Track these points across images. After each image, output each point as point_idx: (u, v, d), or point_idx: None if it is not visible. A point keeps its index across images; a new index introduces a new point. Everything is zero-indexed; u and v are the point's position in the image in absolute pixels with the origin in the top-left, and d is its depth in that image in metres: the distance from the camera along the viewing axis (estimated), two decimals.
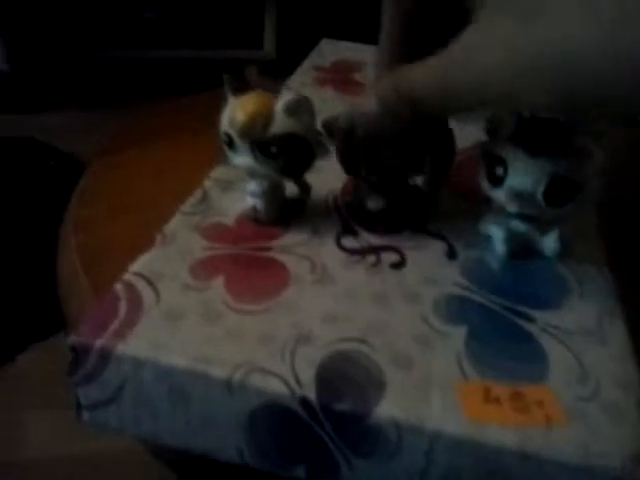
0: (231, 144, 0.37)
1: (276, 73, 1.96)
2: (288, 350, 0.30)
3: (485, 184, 0.39)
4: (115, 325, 0.30)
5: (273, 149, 0.36)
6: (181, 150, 0.59)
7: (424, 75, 0.31)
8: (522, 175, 0.36)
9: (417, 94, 0.31)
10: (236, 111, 0.36)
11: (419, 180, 0.42)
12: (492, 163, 0.38)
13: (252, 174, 0.38)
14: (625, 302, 0.36)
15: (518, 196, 0.37)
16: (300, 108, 0.36)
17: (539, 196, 0.36)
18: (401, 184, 0.41)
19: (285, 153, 0.36)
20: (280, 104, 0.36)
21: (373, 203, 0.41)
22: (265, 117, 0.36)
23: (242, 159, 0.37)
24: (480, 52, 0.27)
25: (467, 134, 0.53)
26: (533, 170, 0.36)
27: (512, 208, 0.38)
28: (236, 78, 0.38)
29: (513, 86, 0.26)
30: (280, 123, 0.36)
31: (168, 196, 0.44)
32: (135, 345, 0.29)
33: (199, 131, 0.54)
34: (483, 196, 0.40)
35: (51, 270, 0.48)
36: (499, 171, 0.38)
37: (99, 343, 0.29)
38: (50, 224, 0.57)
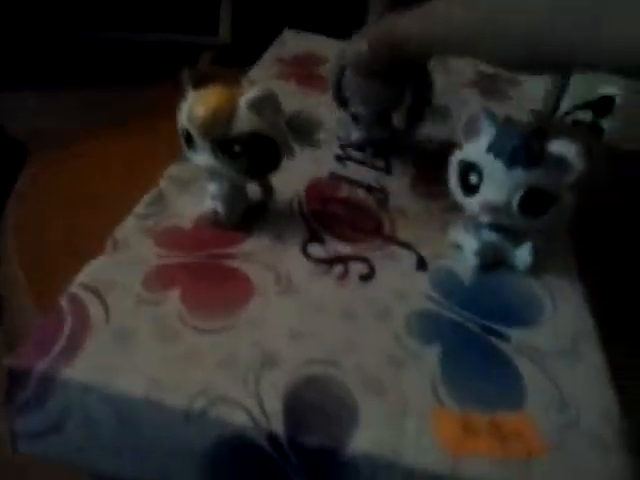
0: (190, 141, 0.34)
1: (231, 60, 1.91)
2: (252, 375, 0.27)
3: (457, 191, 0.37)
4: (59, 346, 0.27)
5: (236, 148, 0.33)
6: (145, 140, 0.55)
7: (410, 24, 0.38)
8: (498, 186, 0.35)
9: (402, 40, 0.38)
10: (196, 106, 0.33)
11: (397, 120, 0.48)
12: (466, 170, 0.36)
13: (213, 174, 0.35)
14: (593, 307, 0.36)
15: (493, 207, 0.35)
16: (266, 104, 0.33)
17: (514, 207, 0.35)
18: (384, 118, 0.47)
19: (249, 153, 0.34)
20: (244, 100, 0.33)
21: (356, 134, 0.48)
22: (227, 113, 0.33)
23: (202, 158, 0.34)
24: (454, 11, 0.36)
25: (439, 132, 0.52)
26: (509, 181, 0.34)
27: (486, 218, 0.37)
28: (196, 69, 0.34)
29: (476, 40, 0.36)
30: (244, 120, 0.33)
31: (125, 191, 0.40)
32: (81, 369, 0.26)
33: (157, 124, 0.50)
34: (452, 200, 0.38)
35: None
36: (473, 179, 0.36)
37: (41, 367, 0.26)
38: None
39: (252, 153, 0.33)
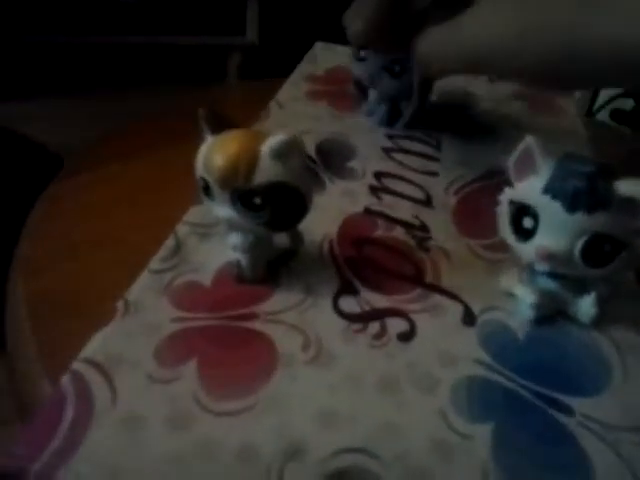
0: (208, 191, 0.31)
1: (259, 60, 1.89)
2: (275, 470, 0.24)
3: (509, 236, 0.33)
4: (58, 439, 0.24)
5: (257, 200, 0.30)
6: (162, 170, 0.52)
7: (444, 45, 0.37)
8: (556, 232, 0.30)
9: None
10: (214, 155, 0.30)
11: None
12: (519, 212, 0.32)
13: (233, 226, 0.32)
14: None
15: (551, 254, 0.31)
16: (290, 151, 0.30)
17: (576, 255, 0.30)
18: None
19: (271, 205, 0.30)
20: (267, 147, 0.29)
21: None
22: (248, 163, 0.29)
23: (221, 210, 0.31)
24: (488, 27, 0.34)
25: (480, 159, 0.48)
26: (570, 226, 0.30)
27: (543, 267, 0.32)
28: (214, 112, 0.31)
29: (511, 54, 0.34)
30: (266, 170, 0.29)
31: (143, 229, 0.37)
32: (82, 469, 0.23)
33: (177, 150, 0.48)
34: (502, 242, 0.34)
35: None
36: (528, 223, 0.32)
37: (37, 467, 0.23)
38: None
39: (275, 205, 0.30)
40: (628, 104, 1.22)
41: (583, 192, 0.29)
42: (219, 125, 0.31)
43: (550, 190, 0.30)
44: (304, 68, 0.59)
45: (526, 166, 0.32)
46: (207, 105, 0.31)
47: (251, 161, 0.29)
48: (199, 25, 1.86)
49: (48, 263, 0.39)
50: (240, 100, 0.66)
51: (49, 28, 1.76)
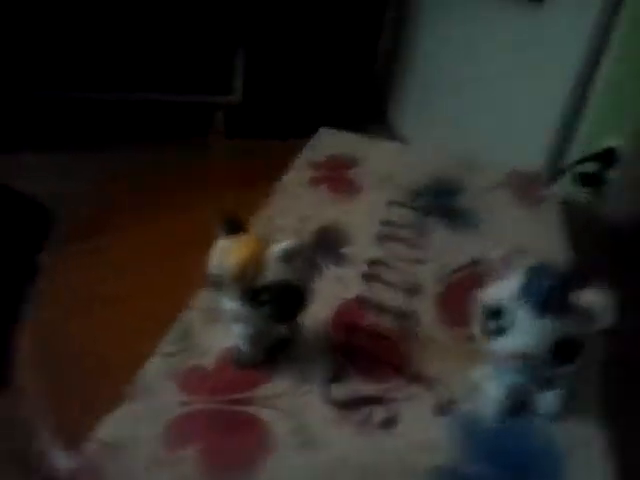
0: (219, 286, 0.35)
1: (243, 117, 1.96)
2: None
3: (483, 334, 0.37)
4: None
5: (263, 297, 0.34)
6: (163, 232, 0.56)
7: None
8: (527, 332, 0.34)
9: None
10: (228, 255, 0.34)
11: None
12: (493, 314, 0.36)
13: (238, 317, 0.36)
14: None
15: (521, 353, 0.34)
16: (293, 255, 0.34)
17: (544, 355, 0.34)
18: None
19: (275, 301, 0.34)
20: (275, 251, 0.33)
21: None
22: (257, 264, 0.33)
23: (230, 304, 0.35)
24: None
25: (466, 247, 0.52)
26: (540, 328, 0.34)
27: (510, 364, 0.36)
28: (230, 217, 0.35)
29: None
30: (273, 270, 0.33)
31: (147, 290, 0.41)
32: None
33: (180, 210, 0.52)
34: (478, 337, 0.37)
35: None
36: (501, 323, 0.35)
37: None
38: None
39: (279, 301, 0.34)
40: (591, 167, 1.27)
41: (551, 299, 0.33)
42: (233, 229, 0.35)
43: (523, 296, 0.34)
44: (307, 154, 0.64)
45: (501, 272, 0.36)
46: (223, 212, 0.36)
47: (260, 263, 0.33)
48: (186, 83, 1.94)
49: (57, 325, 0.43)
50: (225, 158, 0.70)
51: (40, 84, 1.82)
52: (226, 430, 0.32)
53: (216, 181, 0.68)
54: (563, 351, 0.34)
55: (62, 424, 0.35)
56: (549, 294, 0.33)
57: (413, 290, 0.46)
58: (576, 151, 1.35)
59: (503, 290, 0.35)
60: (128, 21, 1.82)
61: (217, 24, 1.88)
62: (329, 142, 0.67)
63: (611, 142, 1.22)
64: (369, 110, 2.27)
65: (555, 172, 1.41)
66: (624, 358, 0.47)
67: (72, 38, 1.79)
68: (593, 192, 1.28)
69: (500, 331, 0.35)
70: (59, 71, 1.82)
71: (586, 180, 1.29)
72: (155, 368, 0.35)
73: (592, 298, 0.34)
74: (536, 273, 0.34)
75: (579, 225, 0.67)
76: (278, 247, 0.33)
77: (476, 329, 0.37)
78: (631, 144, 1.07)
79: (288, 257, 0.33)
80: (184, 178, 0.69)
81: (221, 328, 0.39)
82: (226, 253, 0.34)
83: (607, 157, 1.23)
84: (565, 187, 1.36)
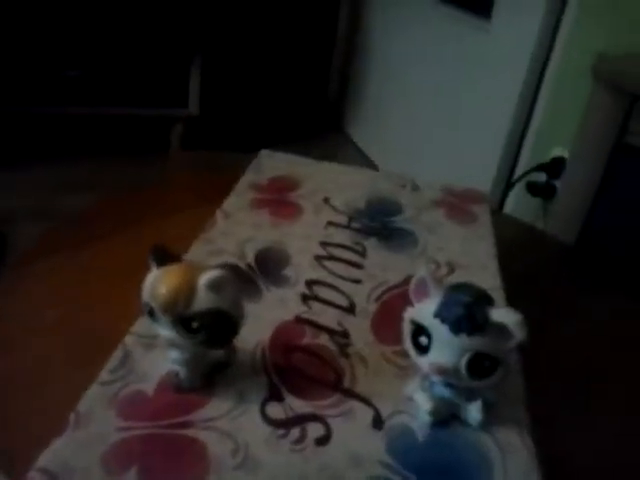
0: (152, 315, 0.36)
1: (201, 129, 1.98)
2: None
3: (410, 349, 0.39)
4: None
5: (194, 324, 0.35)
6: (110, 253, 0.57)
7: None
8: (445, 349, 0.37)
9: None
10: (158, 284, 0.35)
11: None
12: (417, 331, 0.38)
13: (174, 344, 0.37)
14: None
15: (441, 369, 0.37)
16: (224, 284, 0.35)
17: (462, 369, 0.37)
18: None
19: (207, 328, 0.35)
20: (203, 280, 0.35)
21: None
22: (187, 292, 0.35)
23: (164, 331, 0.36)
24: None
25: (400, 265, 0.54)
26: (455, 345, 0.36)
27: (436, 378, 0.39)
28: (162, 249, 0.37)
29: None
30: (203, 299, 0.35)
31: (94, 313, 0.42)
32: None
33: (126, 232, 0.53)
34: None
35: None
36: (423, 341, 0.38)
37: None
38: None
39: (210, 328, 0.35)
40: (541, 177, 1.34)
41: (464, 318, 0.36)
42: (163, 258, 0.37)
43: (439, 315, 0.37)
44: (249, 177, 0.66)
45: (422, 291, 0.38)
46: (154, 243, 0.37)
47: (190, 292, 0.35)
48: (143, 97, 1.95)
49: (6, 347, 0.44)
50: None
51: None
52: (166, 453, 0.34)
53: (168, 200, 0.69)
54: (480, 366, 0.37)
55: (2, 455, 0.36)
56: (462, 313, 0.36)
57: (349, 309, 0.49)
58: (525, 163, 1.42)
59: (426, 308, 0.38)
60: (84, 35, 1.81)
61: (172, 37, 1.89)
62: (270, 164, 0.69)
63: (558, 152, 1.28)
64: (326, 120, 2.31)
65: (505, 184, 1.47)
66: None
67: (29, 51, 1.77)
68: (543, 202, 1.34)
69: (423, 348, 0.38)
70: (16, 86, 1.79)
71: (535, 190, 1.36)
72: (95, 396, 0.36)
73: (505, 317, 0.36)
74: (451, 293, 0.37)
75: (513, 238, 0.71)
76: (205, 277, 0.35)
77: (405, 344, 0.39)
78: (574, 153, 1.13)
79: (216, 286, 0.35)
80: (137, 197, 0.70)
81: (160, 354, 0.40)
82: (156, 283, 0.35)
83: (554, 167, 1.30)
84: (516, 198, 1.42)
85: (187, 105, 2.01)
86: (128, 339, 0.41)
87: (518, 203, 1.44)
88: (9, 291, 0.51)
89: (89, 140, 1.93)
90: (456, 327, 0.36)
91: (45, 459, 0.32)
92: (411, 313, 0.39)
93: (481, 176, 1.48)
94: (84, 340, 0.44)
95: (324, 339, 0.45)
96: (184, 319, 0.35)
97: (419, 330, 0.38)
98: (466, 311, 0.36)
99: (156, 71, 1.93)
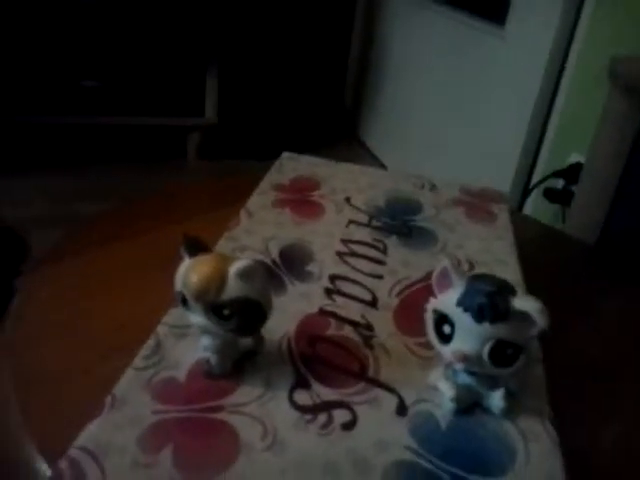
0: (185, 303, 0.38)
1: (218, 138, 2.00)
2: None
3: (433, 339, 0.40)
4: None
5: (226, 312, 0.37)
6: (131, 257, 0.59)
7: None
8: (468, 338, 0.38)
9: None
10: (190, 274, 0.37)
11: None
12: (440, 320, 0.39)
13: (205, 331, 0.39)
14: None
15: (464, 356, 0.38)
16: (253, 273, 0.37)
17: (485, 357, 0.38)
18: None
19: (238, 315, 0.37)
20: (234, 269, 0.36)
21: None
22: (218, 281, 0.36)
23: (196, 318, 0.38)
24: None
25: (421, 262, 0.55)
26: (478, 334, 0.37)
27: (459, 366, 0.39)
28: (194, 240, 0.38)
29: None
30: (233, 287, 0.36)
31: (120, 310, 0.44)
32: None
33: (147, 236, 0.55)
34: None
35: None
36: (447, 329, 0.39)
37: None
38: None
39: (240, 316, 0.37)
40: (559, 183, 1.34)
41: (486, 307, 0.37)
42: (195, 249, 0.38)
43: (461, 303, 0.38)
44: (272, 177, 0.68)
45: (445, 282, 0.39)
46: (186, 233, 0.39)
47: (221, 280, 0.36)
48: (160, 106, 1.98)
49: (32, 344, 0.45)
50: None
51: (9, 109, 1.83)
52: (198, 435, 0.35)
53: (187, 204, 0.71)
54: (502, 354, 0.38)
55: (43, 437, 0.37)
56: (484, 302, 0.37)
57: (372, 303, 0.50)
58: (542, 169, 1.42)
59: (449, 298, 0.39)
60: (100, 46, 1.85)
61: (188, 46, 1.92)
62: (291, 165, 0.71)
63: (575, 158, 1.29)
64: (342, 127, 2.33)
65: (523, 190, 1.47)
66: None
67: (47, 61, 1.81)
68: (561, 208, 1.34)
69: (446, 336, 0.39)
70: (34, 96, 1.83)
71: (553, 197, 1.36)
72: (130, 381, 0.38)
73: (527, 305, 0.37)
74: (473, 282, 0.38)
75: (532, 238, 0.72)
76: (236, 266, 0.36)
77: (429, 334, 0.40)
78: (591, 156, 1.14)
79: (246, 275, 0.36)
80: (157, 201, 0.72)
81: (190, 343, 0.42)
82: (189, 272, 0.37)
83: (572, 173, 1.30)
84: (534, 204, 1.43)
85: (204, 114, 2.04)
86: (160, 328, 0.43)
87: (536, 209, 1.44)
88: (42, 284, 0.52)
89: (106, 149, 1.96)
90: (479, 315, 0.37)
91: (84, 438, 0.33)
92: (434, 303, 0.40)
93: (499, 183, 1.49)
94: (117, 332, 0.45)
95: (348, 330, 0.46)
96: (215, 306, 0.36)
97: (442, 319, 0.39)
98: (488, 299, 0.37)
99: (172, 80, 1.96)
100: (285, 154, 0.74)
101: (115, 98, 1.94)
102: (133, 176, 1.83)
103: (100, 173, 1.91)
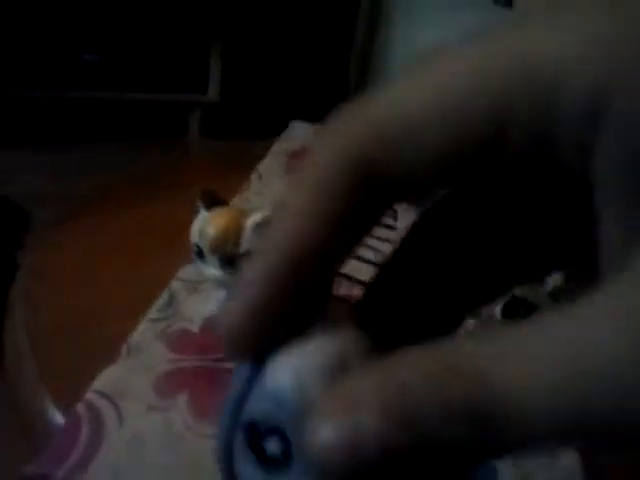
0: (201, 255, 0.38)
1: (220, 116, 1.98)
2: None
3: None
4: (76, 454, 0.30)
5: (241, 264, 0.37)
6: (142, 220, 0.59)
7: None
8: None
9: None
10: (207, 226, 0.37)
11: None
12: None
13: (221, 284, 0.39)
14: None
15: (476, 313, 0.38)
16: (269, 224, 0.37)
17: (497, 315, 0.38)
18: None
19: None
20: (250, 222, 0.37)
21: None
22: (235, 233, 0.37)
23: (212, 271, 0.38)
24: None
25: None
26: None
27: (471, 323, 0.40)
28: (210, 193, 0.38)
29: None
30: (249, 240, 0.37)
31: (127, 269, 0.44)
32: (96, 476, 0.29)
33: (156, 202, 0.55)
34: None
35: None
36: None
37: (60, 475, 0.29)
38: None
39: None
40: None
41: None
42: (211, 202, 0.38)
43: None
44: (282, 144, 0.68)
45: None
46: (203, 188, 0.39)
47: (238, 232, 0.37)
48: (162, 82, 1.96)
49: (47, 299, 0.45)
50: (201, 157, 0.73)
51: (9, 83, 1.82)
52: (211, 381, 0.35)
53: (193, 176, 0.71)
54: (514, 312, 0.38)
55: (58, 388, 0.38)
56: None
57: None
58: None
59: None
60: (102, 19, 1.83)
61: (192, 22, 1.90)
62: (301, 132, 0.71)
63: None
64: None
65: None
66: None
67: (45, 35, 1.79)
68: None
69: None
70: (35, 70, 1.82)
71: None
72: (145, 331, 0.38)
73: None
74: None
75: None
76: (252, 218, 0.37)
77: None
78: None
79: (263, 227, 0.37)
80: (161, 175, 0.71)
81: (203, 297, 0.42)
82: (205, 224, 0.37)
83: None
84: None
85: (206, 91, 2.02)
86: (173, 284, 0.43)
87: None
88: (62, 243, 0.52)
89: (107, 125, 1.95)
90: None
91: (100, 382, 0.34)
92: None
93: None
94: (132, 287, 0.45)
95: (359, 291, 0.47)
96: (232, 258, 0.37)
97: None
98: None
99: (175, 56, 1.94)
100: (294, 122, 0.74)
101: (116, 73, 1.92)
102: (134, 152, 1.82)
103: (100, 148, 1.90)
